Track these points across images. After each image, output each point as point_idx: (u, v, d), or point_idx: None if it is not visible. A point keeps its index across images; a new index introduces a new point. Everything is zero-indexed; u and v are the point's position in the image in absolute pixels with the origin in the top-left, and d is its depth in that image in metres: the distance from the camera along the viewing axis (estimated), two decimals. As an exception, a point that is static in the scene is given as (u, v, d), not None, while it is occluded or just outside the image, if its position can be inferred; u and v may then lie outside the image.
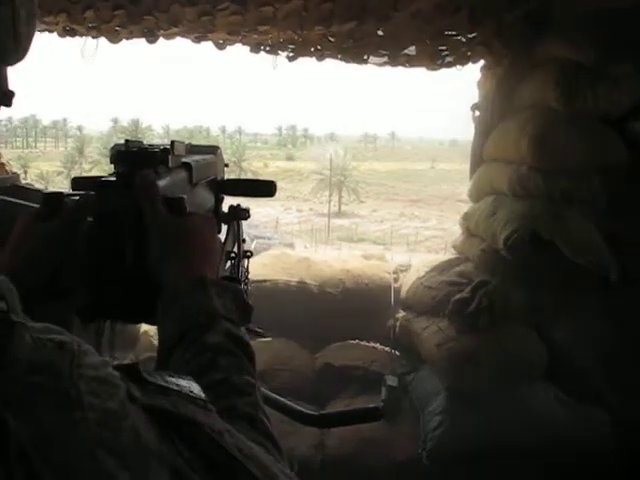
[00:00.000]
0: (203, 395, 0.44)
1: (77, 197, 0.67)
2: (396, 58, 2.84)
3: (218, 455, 0.39)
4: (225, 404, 0.50)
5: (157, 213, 0.64)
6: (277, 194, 0.97)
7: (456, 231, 3.29)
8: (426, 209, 37.65)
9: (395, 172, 50.83)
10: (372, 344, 3.14)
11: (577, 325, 2.49)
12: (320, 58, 2.86)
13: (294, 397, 2.51)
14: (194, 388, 0.44)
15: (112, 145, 0.74)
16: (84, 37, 2.62)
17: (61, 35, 2.64)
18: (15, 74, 0.53)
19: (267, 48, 2.80)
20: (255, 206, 1.03)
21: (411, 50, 2.80)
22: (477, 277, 2.67)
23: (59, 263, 0.64)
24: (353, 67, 2.98)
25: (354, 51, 2.80)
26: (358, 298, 3.28)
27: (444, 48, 2.79)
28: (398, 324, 3.01)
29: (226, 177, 0.96)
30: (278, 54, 2.79)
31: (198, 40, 2.72)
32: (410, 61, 2.87)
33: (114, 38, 2.63)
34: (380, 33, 2.68)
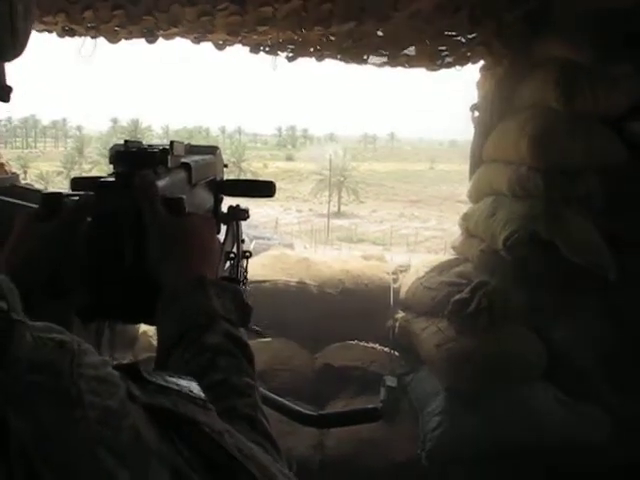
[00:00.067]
0: (203, 395, 0.44)
1: (76, 197, 0.67)
2: (396, 58, 2.84)
3: (218, 455, 0.39)
4: (225, 405, 0.50)
5: (156, 213, 0.63)
6: (277, 194, 0.97)
7: (456, 232, 3.29)
8: (426, 210, 37.61)
9: (395, 172, 50.84)
10: (371, 344, 3.14)
11: (577, 325, 2.49)
12: (320, 58, 2.86)
13: (293, 397, 2.51)
14: (194, 388, 0.44)
15: (111, 145, 0.74)
16: (83, 37, 2.62)
17: (60, 35, 2.63)
18: (15, 74, 0.53)
19: (267, 48, 2.80)
20: (254, 206, 1.03)
21: (411, 50, 2.80)
22: (476, 277, 2.67)
23: (58, 263, 0.64)
24: (353, 67, 2.99)
25: (354, 51, 2.80)
26: (358, 298, 3.28)
27: (444, 48, 2.79)
28: (397, 324, 3.01)
29: (225, 177, 0.96)
30: (278, 54, 2.79)
31: (197, 40, 2.72)
32: (410, 61, 2.87)
33: (113, 38, 2.63)
34: (380, 33, 2.68)
